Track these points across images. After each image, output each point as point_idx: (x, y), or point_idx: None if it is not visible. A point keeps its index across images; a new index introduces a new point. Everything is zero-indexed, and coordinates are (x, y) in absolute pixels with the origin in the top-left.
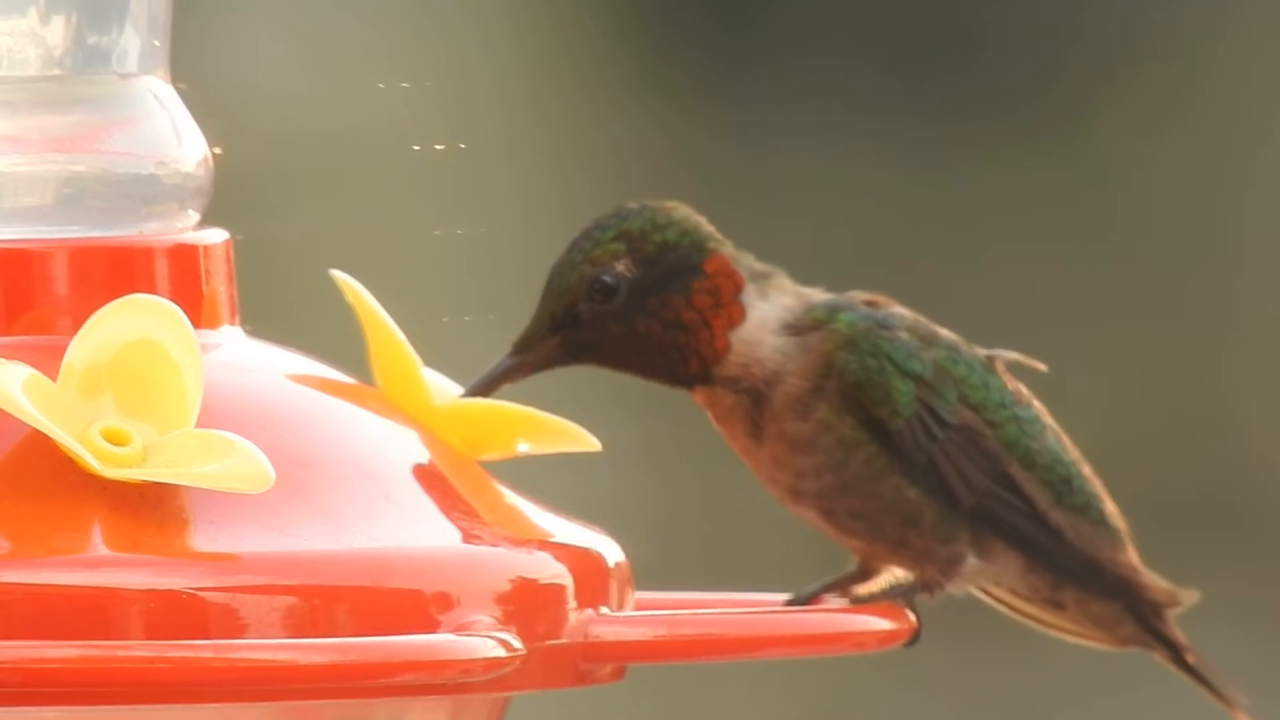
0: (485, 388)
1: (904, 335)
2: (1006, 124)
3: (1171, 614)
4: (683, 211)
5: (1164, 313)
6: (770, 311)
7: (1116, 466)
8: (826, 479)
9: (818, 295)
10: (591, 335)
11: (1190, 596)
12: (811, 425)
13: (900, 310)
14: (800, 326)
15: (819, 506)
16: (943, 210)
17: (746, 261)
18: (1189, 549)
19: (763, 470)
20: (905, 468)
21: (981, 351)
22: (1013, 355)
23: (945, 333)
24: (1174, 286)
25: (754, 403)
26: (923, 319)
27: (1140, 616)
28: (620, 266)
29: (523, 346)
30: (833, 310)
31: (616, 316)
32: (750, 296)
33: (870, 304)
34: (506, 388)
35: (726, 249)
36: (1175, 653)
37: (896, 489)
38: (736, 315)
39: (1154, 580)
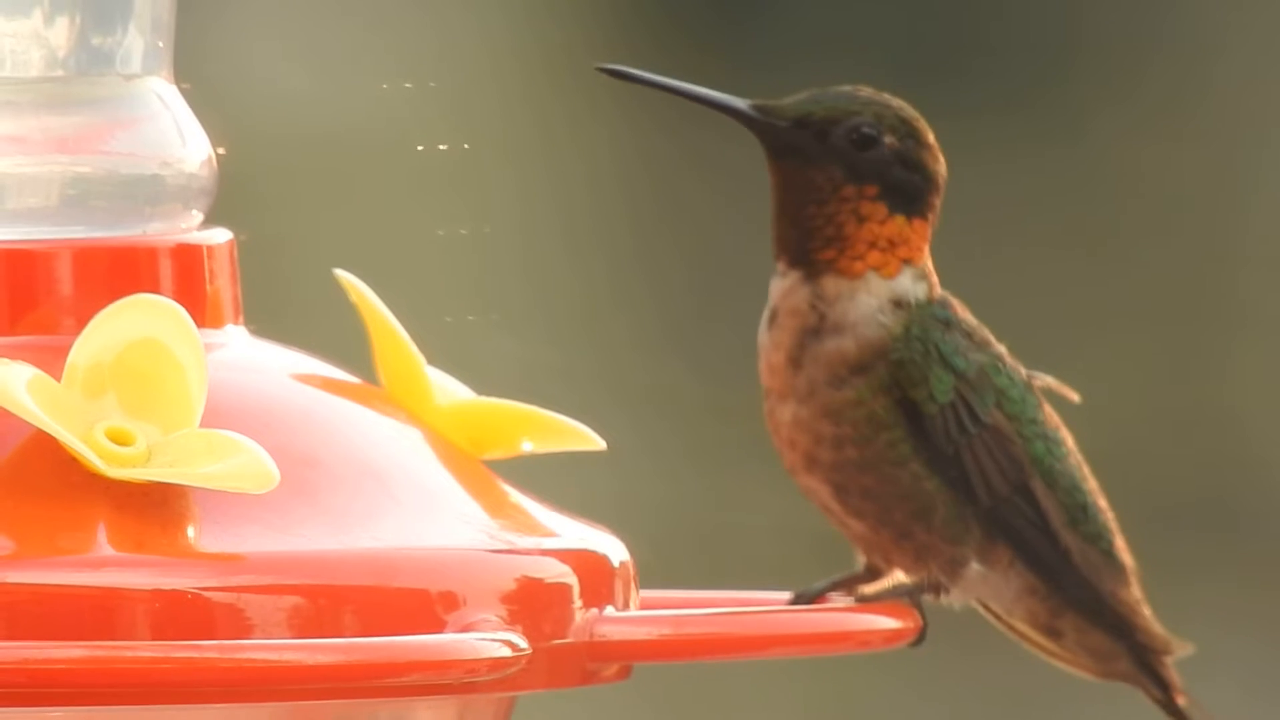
0: None
1: (958, 334)
2: (1009, 125)
3: (1167, 659)
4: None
5: (1166, 313)
6: (905, 290)
7: (1117, 466)
8: (847, 451)
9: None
10: (812, 154)
11: (1184, 647)
12: (844, 395)
13: (966, 316)
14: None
15: (832, 480)
16: (945, 209)
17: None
18: (1189, 549)
19: (781, 432)
20: (930, 456)
21: (1023, 371)
22: (1049, 380)
23: (998, 346)
24: (1176, 287)
25: (814, 329)
26: (984, 329)
27: (1138, 654)
28: (890, 141)
29: (767, 110)
30: (927, 304)
31: (842, 162)
32: (909, 271)
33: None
34: (510, 387)
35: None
36: (1167, 693)
37: (915, 477)
38: (890, 266)
39: (1153, 624)
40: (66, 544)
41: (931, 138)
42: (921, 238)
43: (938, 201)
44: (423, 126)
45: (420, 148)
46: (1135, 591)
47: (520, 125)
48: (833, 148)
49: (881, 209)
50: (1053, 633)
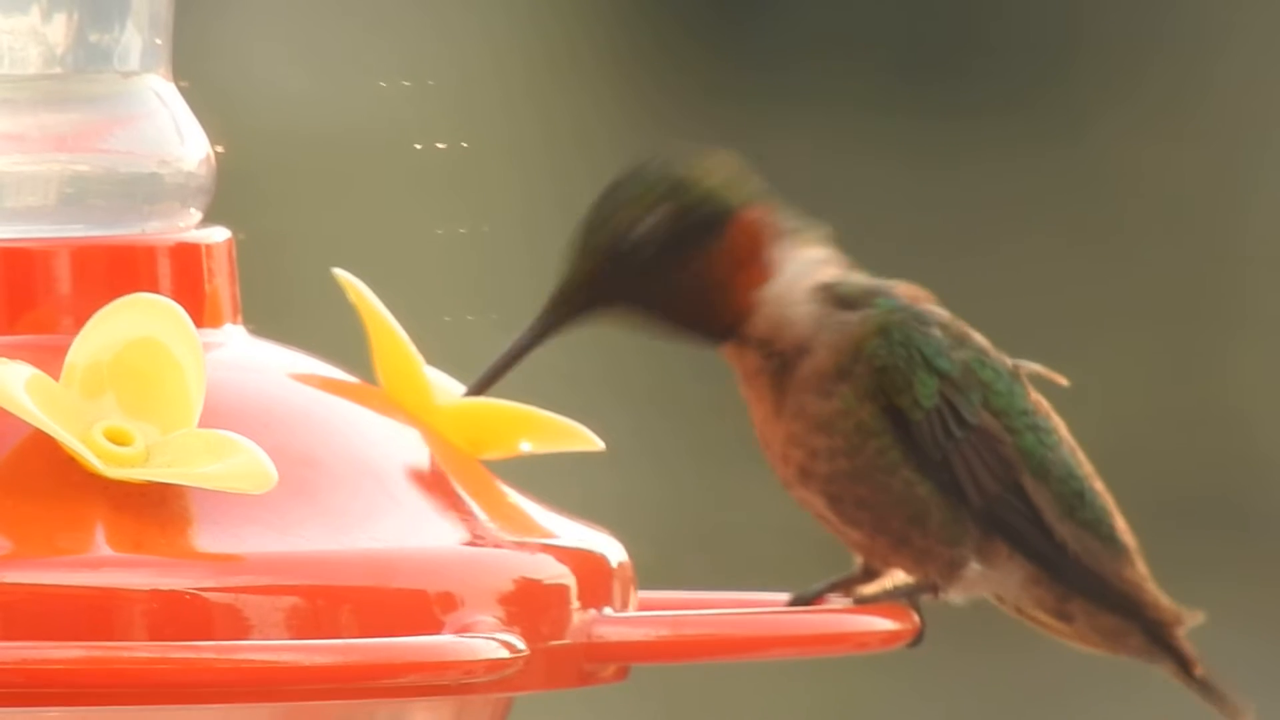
0: (507, 363)
1: (937, 332)
2: (1011, 124)
3: (1179, 631)
4: (718, 162)
5: (1168, 312)
6: (803, 272)
7: (1121, 466)
8: (839, 462)
9: (858, 275)
10: (619, 292)
11: (1195, 617)
12: (831, 405)
13: (937, 309)
14: (844, 299)
15: (826, 491)
16: (946, 210)
17: (782, 218)
18: (1193, 548)
19: (774, 448)
20: (919, 462)
21: (1008, 360)
22: (1036, 367)
23: (978, 337)
24: (1178, 286)
25: (781, 369)
26: (959, 320)
27: (1149, 629)
28: (650, 222)
29: (553, 309)
30: (871, 293)
31: (643, 274)
32: (784, 255)
33: (910, 296)
34: (511, 387)
35: (761, 203)
36: (1184, 665)
37: (907, 483)
38: (763, 273)
39: (1160, 598)
40: (65, 544)
41: (707, 161)
42: (747, 230)
43: (757, 188)
44: (423, 126)
45: (420, 147)
46: (1140, 569)
47: (522, 124)
48: (633, 261)
49: (713, 254)
50: (1063, 616)
